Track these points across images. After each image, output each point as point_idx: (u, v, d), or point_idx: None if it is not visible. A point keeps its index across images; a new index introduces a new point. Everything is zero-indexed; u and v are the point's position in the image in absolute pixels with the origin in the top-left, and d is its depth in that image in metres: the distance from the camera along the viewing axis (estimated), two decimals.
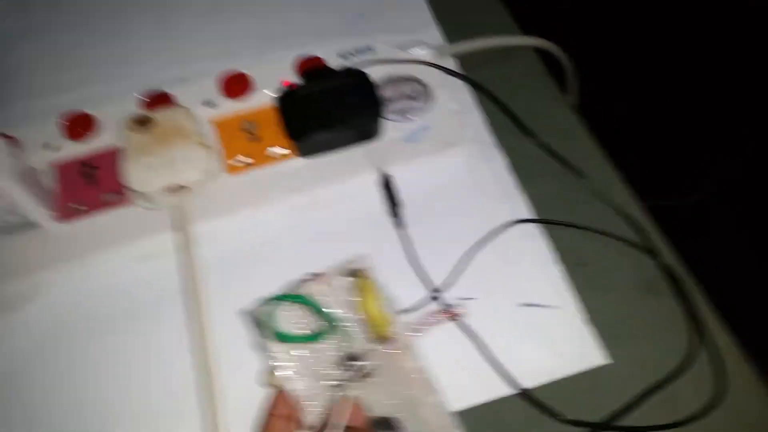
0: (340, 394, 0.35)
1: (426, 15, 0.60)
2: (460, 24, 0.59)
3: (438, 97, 0.50)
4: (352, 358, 0.36)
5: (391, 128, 0.48)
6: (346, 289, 0.37)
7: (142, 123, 0.45)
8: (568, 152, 0.50)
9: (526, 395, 0.41)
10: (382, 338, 0.37)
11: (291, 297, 0.35)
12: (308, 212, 0.49)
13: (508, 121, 0.52)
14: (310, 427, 0.34)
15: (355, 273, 0.37)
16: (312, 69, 0.49)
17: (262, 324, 0.34)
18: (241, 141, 0.48)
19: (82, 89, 0.54)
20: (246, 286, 0.46)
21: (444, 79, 0.51)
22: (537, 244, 0.47)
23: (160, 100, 0.49)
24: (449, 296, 0.44)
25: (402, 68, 0.51)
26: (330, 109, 0.46)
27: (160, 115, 0.46)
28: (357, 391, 0.35)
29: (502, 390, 0.42)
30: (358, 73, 0.48)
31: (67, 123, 0.48)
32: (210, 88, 0.49)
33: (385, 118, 0.49)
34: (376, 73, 0.50)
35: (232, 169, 0.47)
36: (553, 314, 0.44)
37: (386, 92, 0.50)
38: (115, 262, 0.48)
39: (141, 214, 0.46)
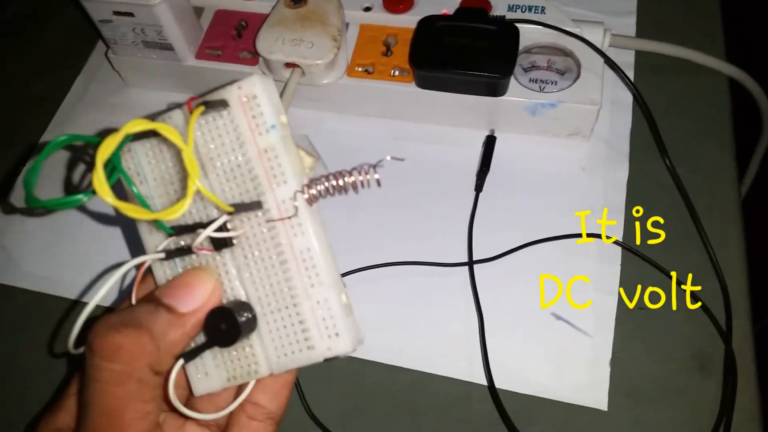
0: (185, 266, 0.28)
1: (631, 2, 0.55)
2: (662, 25, 0.53)
3: (584, 82, 0.46)
4: (201, 223, 0.27)
5: (519, 93, 0.46)
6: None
7: (297, 0, 0.48)
8: (700, 202, 0.44)
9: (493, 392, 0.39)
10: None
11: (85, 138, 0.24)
12: (403, 142, 0.50)
13: (652, 139, 0.47)
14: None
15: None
16: (468, 8, 0.48)
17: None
18: (374, 51, 0.49)
19: None
20: None
21: (602, 67, 0.47)
22: (607, 268, 0.43)
23: None
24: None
25: (563, 39, 0.47)
26: (461, 51, 0.45)
27: (314, 0, 0.48)
28: (207, 261, 0.28)
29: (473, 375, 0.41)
30: (511, 27, 0.46)
31: None
32: None
33: (517, 81, 0.46)
34: (536, 35, 0.47)
35: (352, 73, 0.48)
36: (580, 339, 0.41)
37: (533, 57, 0.48)
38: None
39: None
